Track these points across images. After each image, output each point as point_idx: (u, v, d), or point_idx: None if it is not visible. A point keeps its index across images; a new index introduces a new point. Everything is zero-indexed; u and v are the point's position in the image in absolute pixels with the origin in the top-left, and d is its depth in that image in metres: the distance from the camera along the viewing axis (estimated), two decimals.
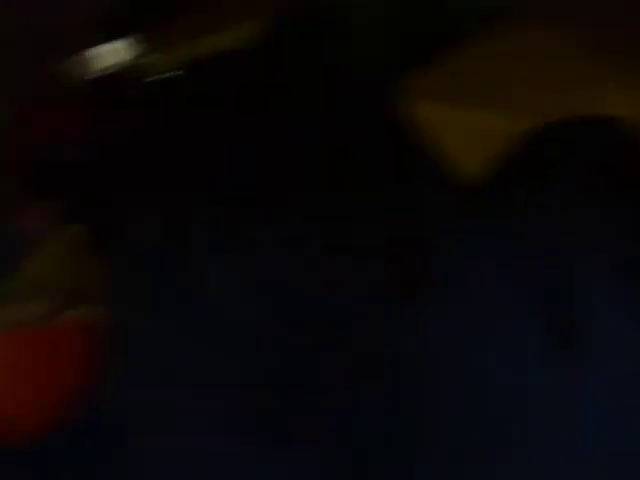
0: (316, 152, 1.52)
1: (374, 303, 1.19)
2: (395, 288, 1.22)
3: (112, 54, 1.66)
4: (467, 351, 1.08)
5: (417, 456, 1.05)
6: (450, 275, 1.17)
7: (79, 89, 1.68)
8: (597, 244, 1.09)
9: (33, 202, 1.62)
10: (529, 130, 1.32)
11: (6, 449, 1.19)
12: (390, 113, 1.60)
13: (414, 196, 1.29)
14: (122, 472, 1.35)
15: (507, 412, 1.05)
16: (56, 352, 1.45)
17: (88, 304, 1.64)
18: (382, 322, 1.17)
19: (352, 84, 1.58)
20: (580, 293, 1.09)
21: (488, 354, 1.10)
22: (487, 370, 1.07)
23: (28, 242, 1.56)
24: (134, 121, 1.53)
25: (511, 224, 1.20)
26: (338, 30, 1.64)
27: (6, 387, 1.44)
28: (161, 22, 1.55)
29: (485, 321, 1.13)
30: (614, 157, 1.13)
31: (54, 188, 1.61)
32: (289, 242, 1.27)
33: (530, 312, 1.09)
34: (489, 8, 1.45)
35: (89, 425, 1.25)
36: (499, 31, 1.35)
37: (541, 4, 1.37)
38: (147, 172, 1.48)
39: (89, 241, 1.54)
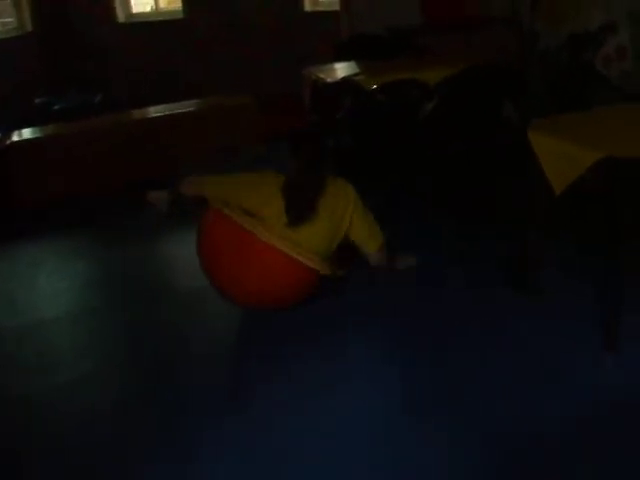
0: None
1: None
2: None
3: (343, 69, 4.82)
4: None
5: None
6: None
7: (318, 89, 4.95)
8: None
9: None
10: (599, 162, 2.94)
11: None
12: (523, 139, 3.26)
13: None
14: None
15: None
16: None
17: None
18: None
19: (505, 118, 4.30)
20: None
21: None
22: None
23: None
24: (351, 111, 4.45)
25: None
26: (509, 81, 4.25)
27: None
28: (381, 57, 5.26)
29: None
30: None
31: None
32: None
33: None
34: (614, 91, 4.41)
35: None
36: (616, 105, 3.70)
37: None
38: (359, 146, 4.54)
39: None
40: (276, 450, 2.90)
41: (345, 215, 3.71)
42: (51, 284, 4.61)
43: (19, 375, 3.67)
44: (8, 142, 5.97)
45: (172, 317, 4.04)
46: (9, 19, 9.03)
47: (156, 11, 9.90)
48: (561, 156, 3.20)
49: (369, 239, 3.82)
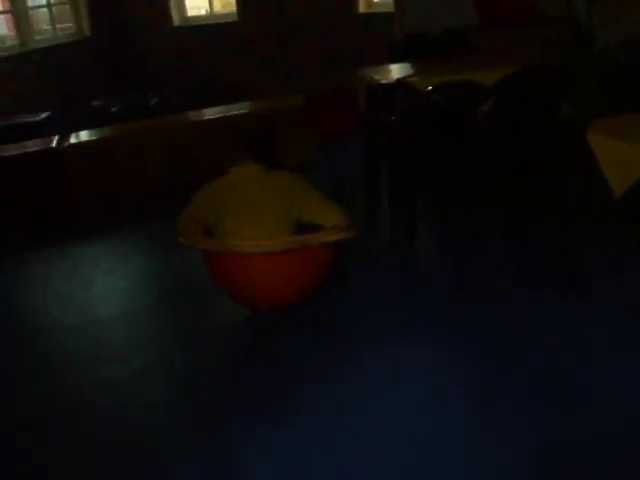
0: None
1: None
2: None
3: (397, 70, 4.89)
4: None
5: None
6: None
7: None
8: None
9: None
10: None
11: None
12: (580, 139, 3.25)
13: None
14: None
15: None
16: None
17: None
18: None
19: (562, 118, 4.15)
20: None
21: None
22: None
23: None
24: (406, 112, 4.52)
25: None
26: (566, 81, 4.20)
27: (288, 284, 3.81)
28: (435, 57, 5.38)
29: None
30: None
31: None
32: None
33: None
34: None
35: None
36: None
37: None
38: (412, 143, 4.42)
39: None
40: (325, 451, 2.90)
41: (295, 199, 3.81)
42: (107, 283, 4.68)
43: (75, 370, 3.74)
44: (66, 144, 6.09)
45: (224, 316, 4.07)
46: (68, 24, 9.21)
47: (211, 14, 9.99)
48: (621, 157, 3.14)
49: (326, 213, 3.83)
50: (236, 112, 6.56)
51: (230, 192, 3.85)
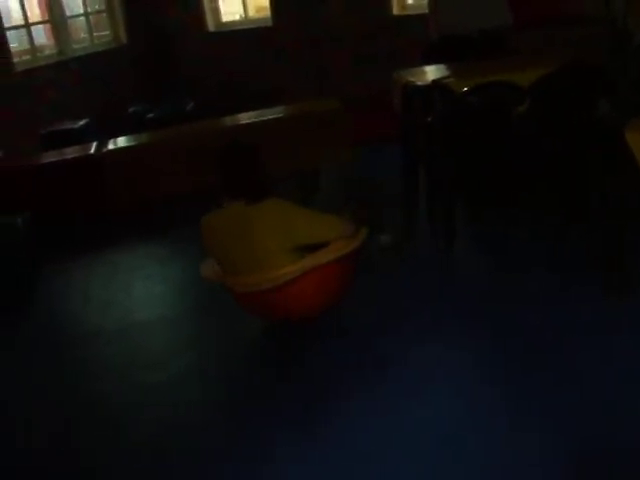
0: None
1: None
2: None
3: (433, 72, 4.79)
4: None
5: None
6: None
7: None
8: None
9: None
10: None
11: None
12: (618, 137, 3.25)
13: None
14: None
15: None
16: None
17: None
18: None
19: (600, 117, 4.01)
20: None
21: None
22: None
23: None
24: (442, 114, 4.39)
25: None
26: (603, 80, 4.19)
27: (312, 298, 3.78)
28: (471, 59, 5.04)
29: None
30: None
31: None
32: None
33: None
34: None
35: None
36: None
37: None
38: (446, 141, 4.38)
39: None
40: (359, 451, 2.91)
41: (287, 225, 3.66)
42: (146, 289, 4.72)
43: (110, 373, 3.79)
44: (104, 150, 6.15)
45: (260, 325, 4.09)
46: (105, 32, 9.32)
47: (245, 19, 10.03)
48: None
49: (323, 230, 3.75)
50: (273, 116, 6.58)
51: (223, 230, 3.75)
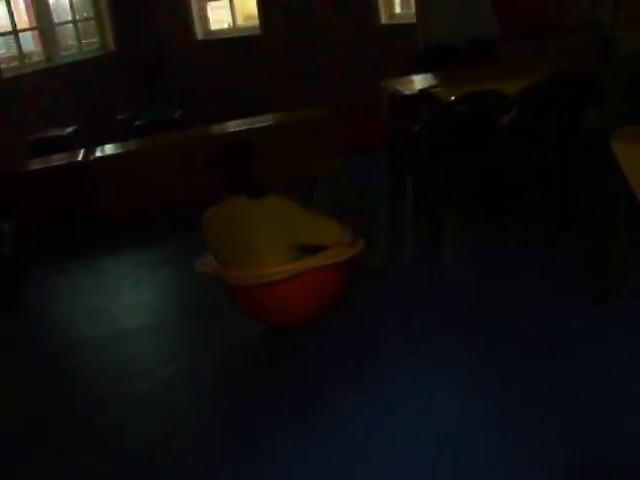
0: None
1: None
2: None
3: (420, 81, 4.91)
4: None
5: None
6: None
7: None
8: None
9: None
10: None
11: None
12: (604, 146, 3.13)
13: None
14: None
15: None
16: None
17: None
18: None
19: (586, 128, 4.12)
20: None
21: None
22: None
23: None
24: (429, 122, 4.56)
25: None
26: (591, 89, 4.28)
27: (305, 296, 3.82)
28: (458, 68, 5.50)
29: None
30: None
31: None
32: None
33: None
34: None
35: None
36: None
37: None
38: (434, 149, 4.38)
39: None
40: (358, 451, 2.93)
41: (288, 223, 3.68)
42: (134, 296, 4.71)
43: (99, 381, 3.77)
44: (92, 157, 6.14)
45: (249, 328, 4.07)
46: (93, 39, 9.32)
47: (233, 27, 10.05)
48: None
49: (322, 232, 3.76)
50: (262, 124, 6.58)
51: (223, 224, 3.77)
